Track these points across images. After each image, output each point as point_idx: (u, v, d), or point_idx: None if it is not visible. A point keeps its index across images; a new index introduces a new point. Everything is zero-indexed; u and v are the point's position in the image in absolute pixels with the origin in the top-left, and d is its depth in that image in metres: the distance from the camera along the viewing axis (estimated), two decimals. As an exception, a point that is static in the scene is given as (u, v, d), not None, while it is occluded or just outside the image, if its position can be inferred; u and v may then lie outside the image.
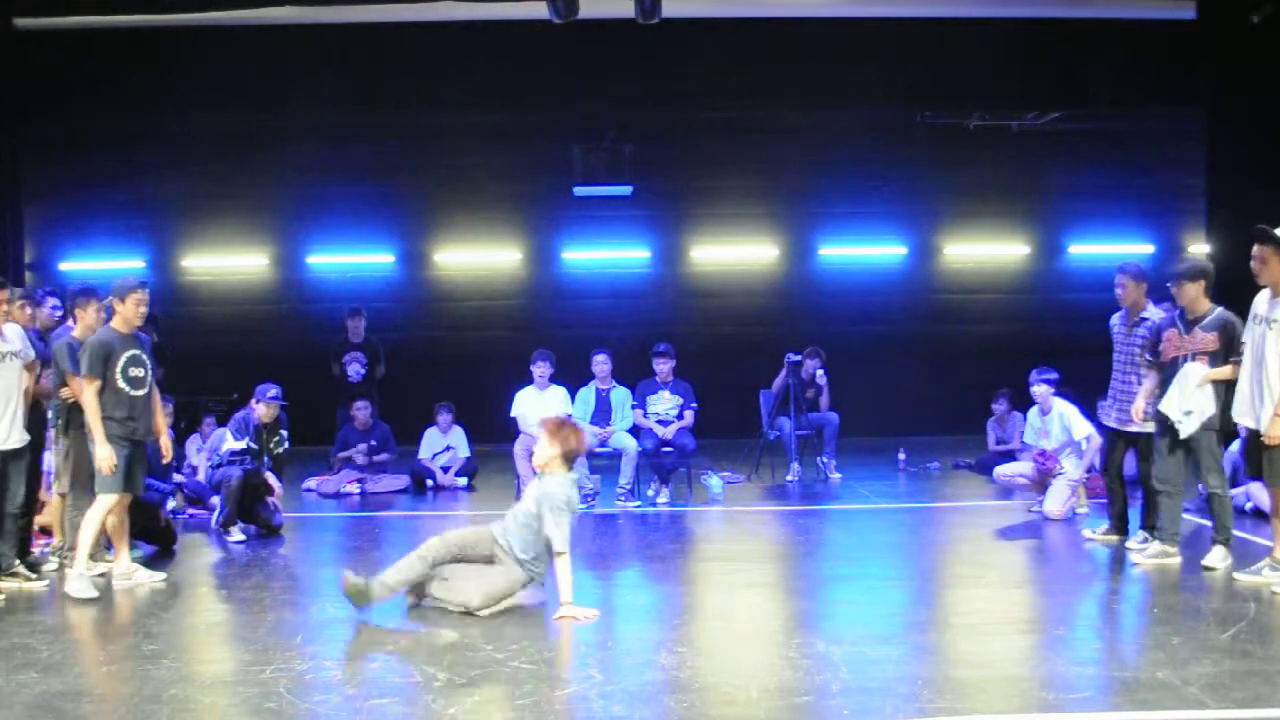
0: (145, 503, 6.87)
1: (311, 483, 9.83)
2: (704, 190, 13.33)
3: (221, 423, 8.99)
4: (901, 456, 10.77)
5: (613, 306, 13.21)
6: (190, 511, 8.56)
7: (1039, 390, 8.20)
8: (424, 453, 10.07)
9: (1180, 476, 6.36)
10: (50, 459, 6.76)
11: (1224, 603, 5.51)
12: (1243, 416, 5.86)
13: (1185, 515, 6.64)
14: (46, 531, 7.05)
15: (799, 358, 10.10)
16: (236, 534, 7.52)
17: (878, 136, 12.98)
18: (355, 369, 10.93)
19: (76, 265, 12.48)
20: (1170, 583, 6.00)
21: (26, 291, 6.97)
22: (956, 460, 10.79)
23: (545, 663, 4.62)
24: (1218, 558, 6.13)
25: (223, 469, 7.84)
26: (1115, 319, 7.02)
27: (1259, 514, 7.30)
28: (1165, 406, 6.13)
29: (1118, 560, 6.65)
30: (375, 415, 10.36)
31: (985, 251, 13.71)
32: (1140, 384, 6.71)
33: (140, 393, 6.16)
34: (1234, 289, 6.35)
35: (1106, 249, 13.01)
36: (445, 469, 9.98)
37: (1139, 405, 6.48)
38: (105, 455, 5.96)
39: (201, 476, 8.82)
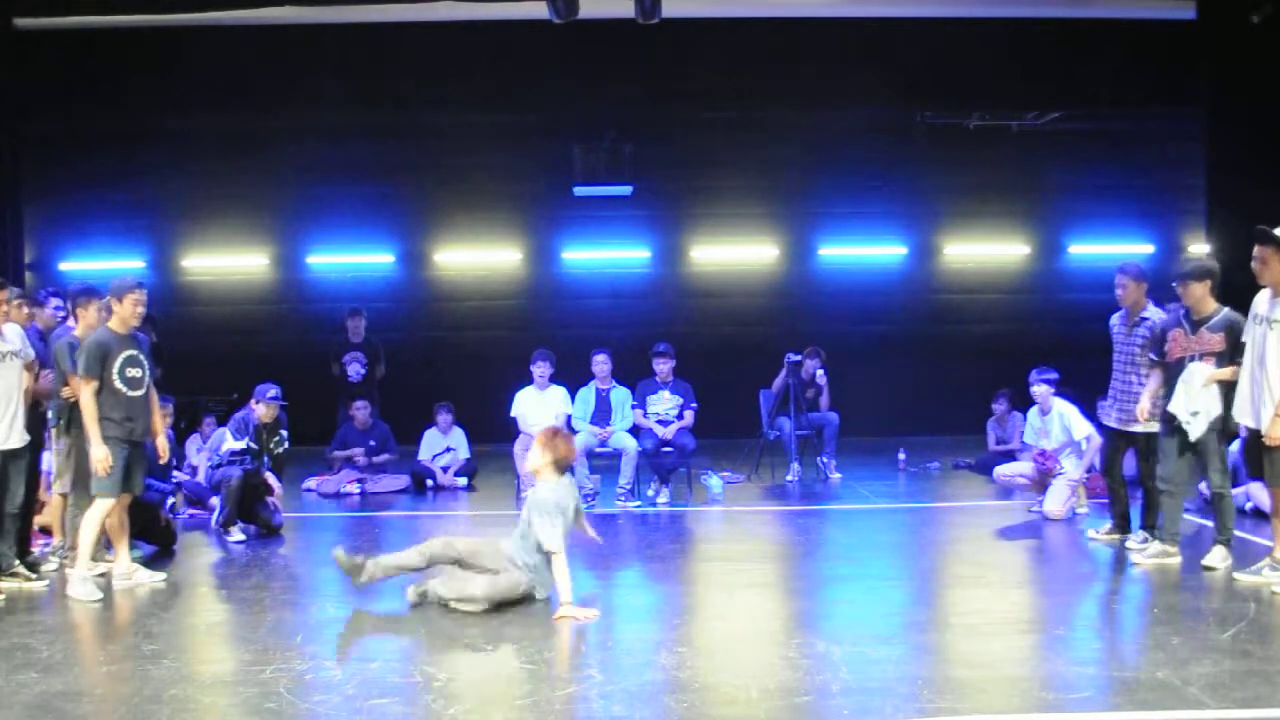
0: (145, 503, 6.87)
1: (311, 483, 9.83)
2: (704, 190, 13.33)
3: (221, 423, 8.99)
4: (901, 456, 10.77)
5: (613, 306, 13.22)
6: (190, 511, 8.56)
7: (1039, 390, 8.20)
8: (424, 453, 10.07)
9: (1184, 476, 6.36)
10: (49, 459, 6.76)
11: (1224, 603, 5.51)
12: (1243, 416, 5.86)
13: (1185, 515, 6.64)
14: (46, 531, 7.06)
15: (799, 358, 10.10)
16: (236, 534, 7.52)
17: (878, 136, 12.98)
18: (355, 369, 10.93)
19: (76, 265, 12.48)
20: (1170, 583, 6.00)
21: (24, 291, 6.97)
22: (956, 460, 10.79)
23: (545, 663, 4.63)
24: (1218, 558, 6.14)
25: (223, 469, 7.84)
26: (1115, 319, 7.02)
27: (1259, 514, 7.30)
28: (1174, 407, 6.13)
29: (1117, 560, 6.65)
30: (375, 415, 10.36)
31: (985, 251, 13.71)
32: (1141, 384, 6.71)
33: (138, 393, 6.15)
34: (1234, 289, 6.35)
35: (1106, 249, 13.01)
36: (445, 469, 9.98)
37: (1144, 405, 6.48)
38: (101, 457, 5.96)
39: (201, 477, 8.82)
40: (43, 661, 4.72)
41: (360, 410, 10.15)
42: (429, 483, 9.91)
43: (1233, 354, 6.01)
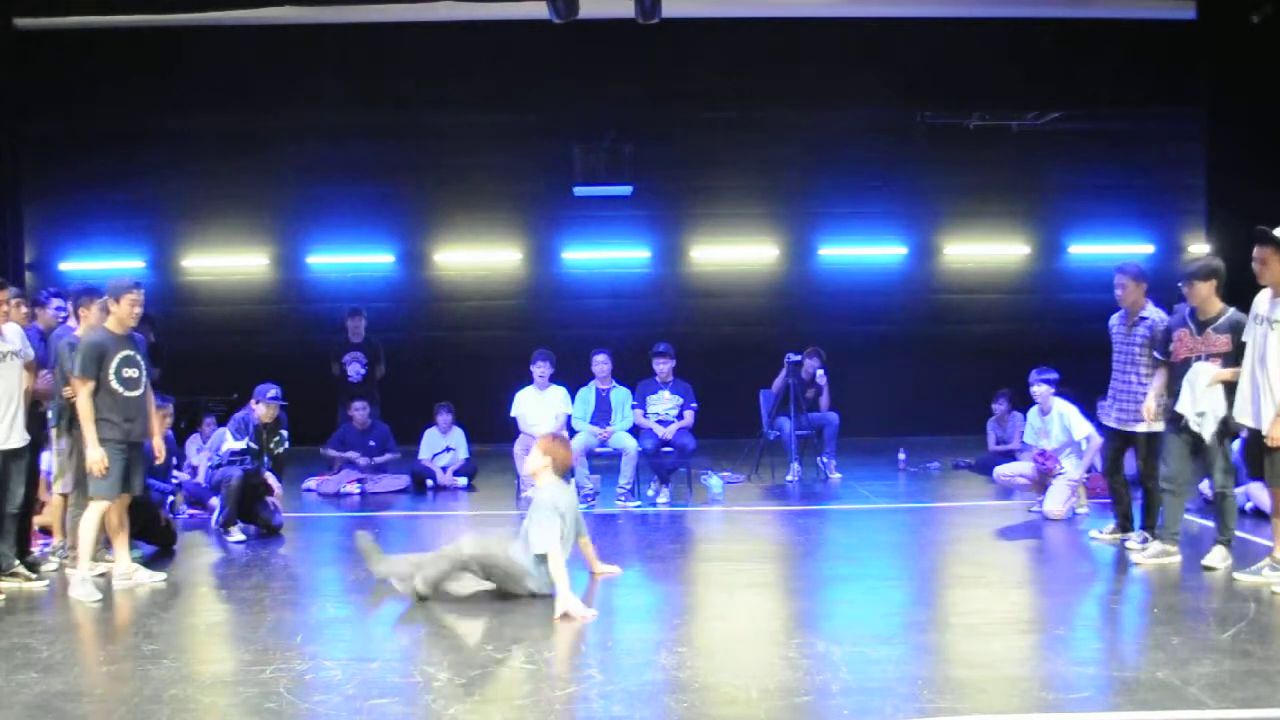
0: (145, 503, 6.87)
1: (311, 483, 9.83)
2: (704, 190, 13.33)
3: (221, 423, 8.99)
4: (901, 456, 10.77)
5: (613, 306, 13.22)
6: (190, 511, 8.56)
7: (1039, 390, 8.20)
8: (424, 453, 10.07)
9: (1187, 476, 6.37)
10: (49, 459, 6.76)
11: (1224, 603, 5.51)
12: (1243, 416, 5.86)
13: (1185, 515, 6.64)
14: (46, 531, 7.05)
15: (799, 358, 10.10)
16: (236, 534, 7.52)
17: (878, 136, 12.98)
18: (355, 369, 10.93)
19: (76, 265, 12.49)
20: (1170, 583, 6.01)
21: (24, 291, 6.97)
22: (956, 460, 10.79)
23: (545, 663, 4.63)
24: (1218, 558, 6.14)
25: (223, 469, 7.84)
26: (1114, 319, 7.01)
27: (1259, 514, 7.31)
28: (1181, 407, 6.12)
29: (1117, 560, 6.65)
30: (375, 415, 10.36)
31: (985, 251, 13.71)
32: (1141, 383, 6.72)
33: (135, 393, 6.14)
34: (1235, 289, 6.35)
35: (1106, 249, 13.01)
36: (445, 469, 9.98)
37: (1150, 405, 6.46)
38: (97, 458, 5.95)
39: (201, 477, 8.81)
40: (43, 661, 4.72)
41: (359, 411, 10.15)
42: (429, 483, 9.91)
43: (1238, 355, 5.99)
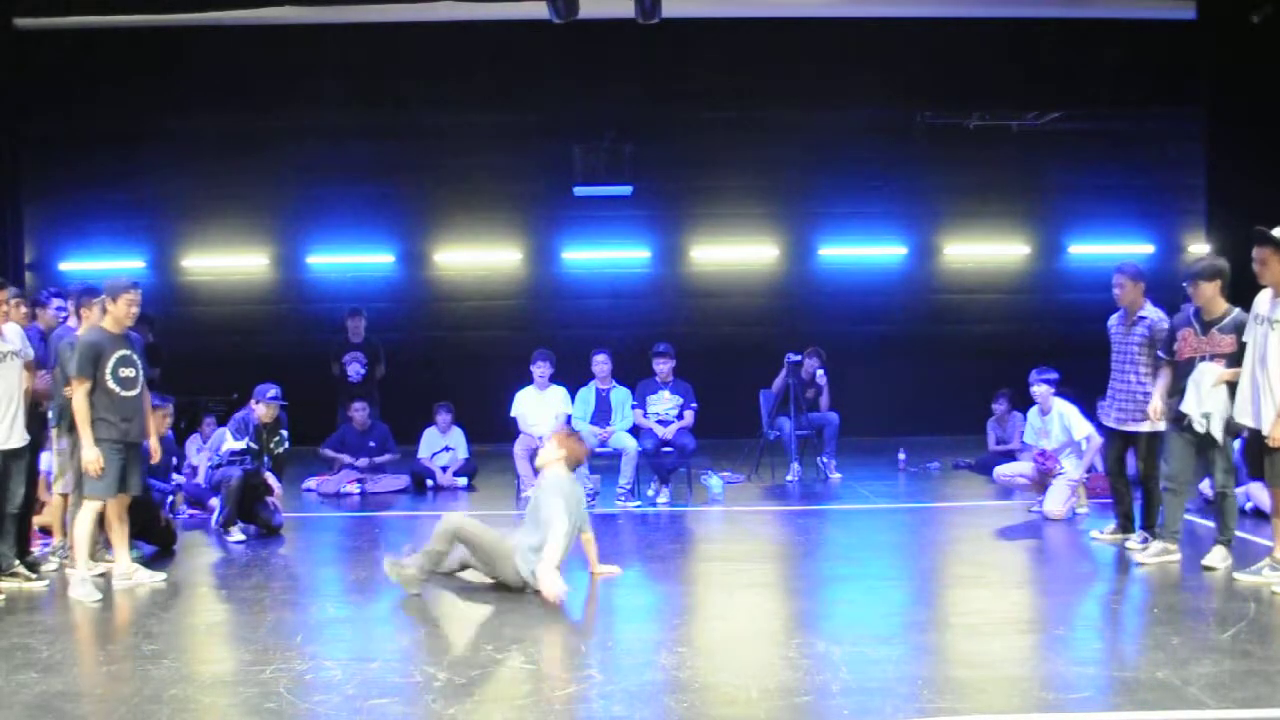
0: (145, 503, 6.86)
1: (311, 483, 9.83)
2: (704, 190, 13.33)
3: (221, 423, 8.99)
4: (901, 456, 10.77)
5: (613, 306, 13.22)
6: (190, 511, 8.56)
7: (1039, 390, 8.20)
8: (423, 452, 10.07)
9: (1188, 476, 6.38)
10: (49, 459, 6.76)
11: (1224, 603, 5.51)
12: (1243, 416, 5.86)
13: (1185, 515, 6.64)
14: (46, 531, 7.05)
15: (799, 358, 10.10)
16: (236, 534, 7.52)
17: (878, 136, 12.99)
18: (355, 369, 10.93)
19: (76, 265, 12.48)
20: (1170, 583, 6.01)
21: (24, 291, 6.97)
22: (956, 460, 10.79)
23: (545, 663, 4.62)
24: (1218, 558, 6.14)
25: (223, 469, 7.84)
26: (1113, 319, 7.03)
27: (1259, 514, 7.31)
28: (1186, 407, 6.12)
29: (1118, 560, 6.65)
30: (374, 416, 10.36)
31: (985, 251, 13.71)
32: (1140, 383, 6.73)
33: (132, 393, 6.13)
34: (1235, 288, 6.34)
35: (1106, 249, 13.01)
36: (445, 469, 9.98)
37: (1156, 405, 6.45)
38: (93, 458, 5.93)
39: (201, 477, 8.81)
40: (43, 661, 4.72)
41: (359, 411, 10.15)
42: (429, 483, 9.91)
43: (1242, 356, 6.00)
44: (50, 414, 6.50)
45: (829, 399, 10.30)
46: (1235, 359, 6.00)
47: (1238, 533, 6.39)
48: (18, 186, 10.91)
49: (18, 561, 6.19)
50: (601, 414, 9.19)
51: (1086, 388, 8.40)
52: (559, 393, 9.27)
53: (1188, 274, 6.30)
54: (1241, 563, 6.05)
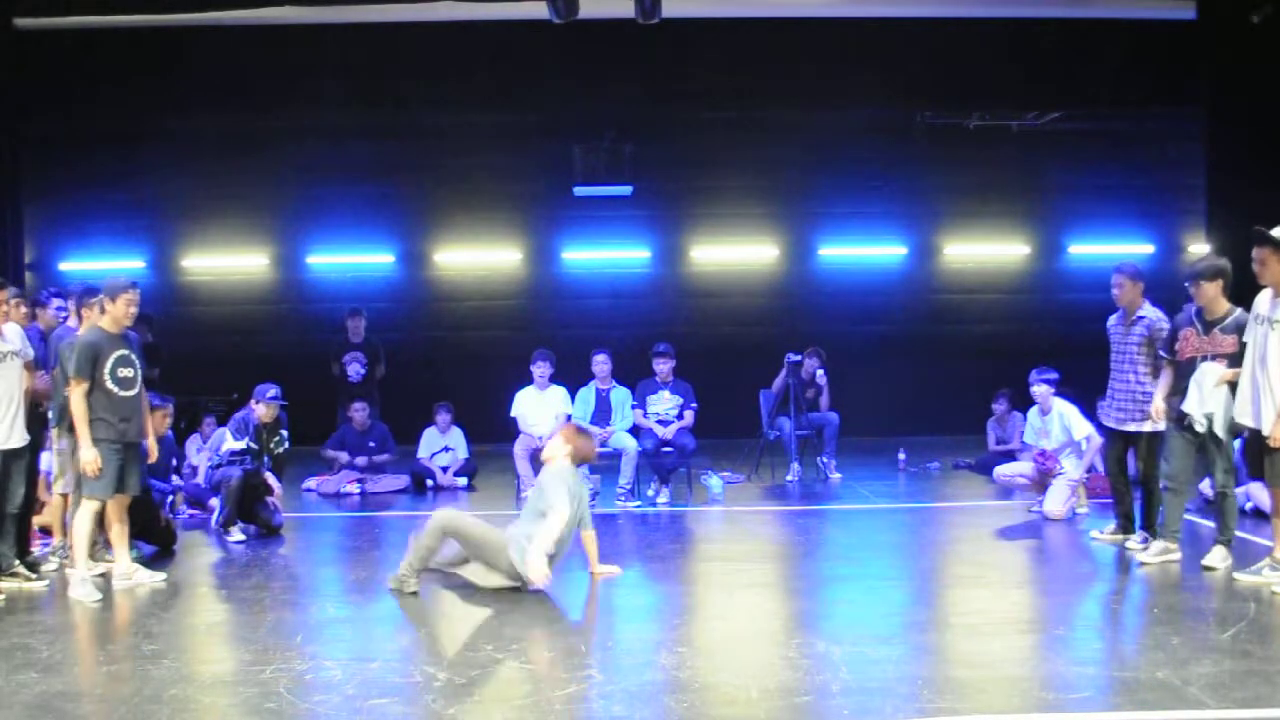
0: (146, 503, 6.86)
1: (311, 483, 9.83)
2: (704, 190, 13.33)
3: (221, 423, 8.99)
4: (901, 456, 10.77)
5: (613, 306, 13.22)
6: (190, 511, 8.56)
7: (1039, 390, 8.20)
8: (422, 452, 10.07)
9: (1188, 475, 6.39)
10: (49, 459, 6.76)
11: (1224, 603, 5.51)
12: (1243, 417, 5.86)
13: (1185, 515, 6.64)
14: (46, 531, 7.05)
15: (799, 358, 10.10)
16: (236, 534, 7.52)
17: (878, 136, 12.99)
18: (355, 369, 10.93)
19: (76, 265, 12.48)
20: (1170, 583, 6.01)
21: (24, 291, 6.97)
22: (956, 460, 10.79)
23: (545, 663, 4.62)
24: (1218, 558, 6.14)
25: (223, 469, 7.83)
26: (1112, 319, 7.04)
27: (1259, 514, 7.31)
28: (1189, 407, 6.12)
29: (1118, 560, 6.65)
30: (374, 416, 10.36)
31: (985, 251, 13.71)
32: (1139, 382, 6.75)
33: (130, 393, 6.12)
34: (1235, 288, 6.34)
35: (1106, 249, 13.01)
36: (445, 469, 9.98)
37: (1159, 405, 6.45)
38: (90, 458, 5.92)
39: (201, 477, 8.81)
40: (43, 661, 4.72)
41: (358, 412, 10.15)
42: (429, 483, 9.91)
43: (1243, 356, 6.00)
44: (50, 414, 6.50)
45: (829, 399, 10.30)
46: (1237, 359, 5.99)
47: (1238, 533, 6.39)
48: (18, 186, 10.92)
49: (18, 561, 6.19)
50: (601, 414, 9.19)
51: (1086, 388, 8.40)
52: (559, 393, 9.27)
53: (1190, 274, 6.29)
54: (1241, 563, 6.05)
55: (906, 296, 13.49)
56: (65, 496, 6.52)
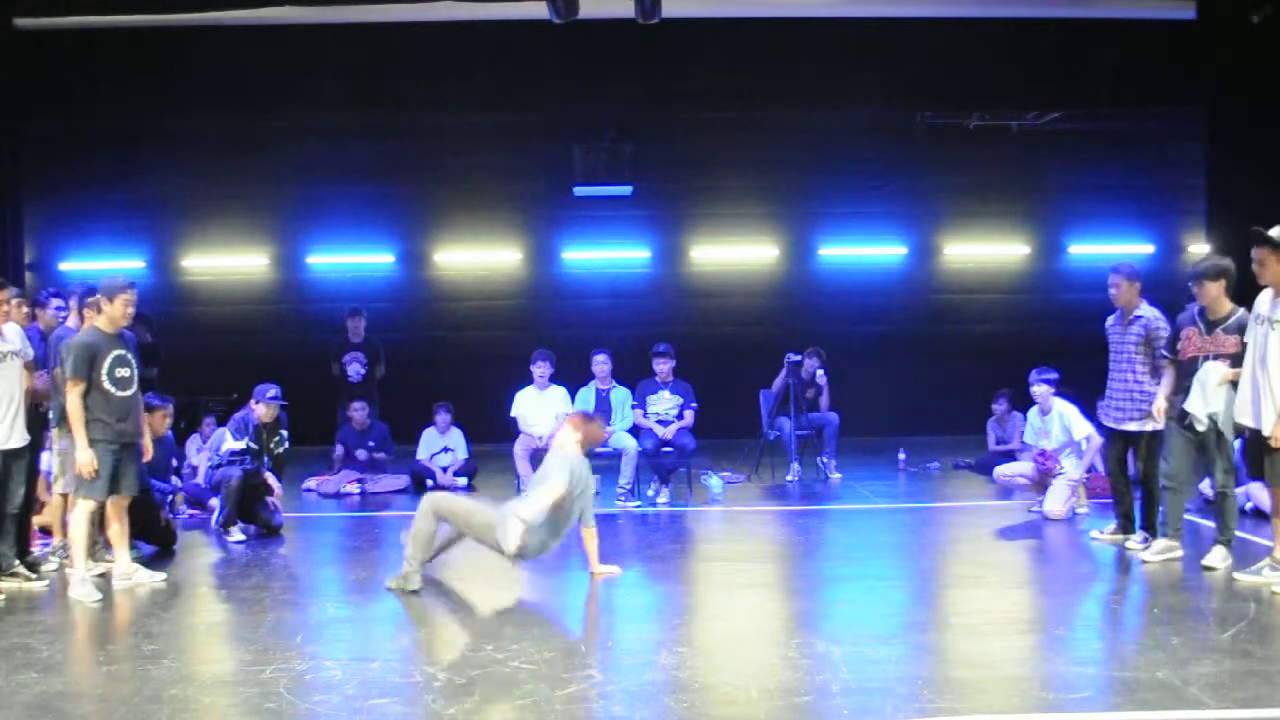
0: (146, 503, 6.86)
1: (311, 483, 9.84)
2: (704, 190, 13.33)
3: (221, 423, 8.99)
4: (901, 456, 10.77)
5: (613, 306, 13.22)
6: (190, 512, 8.56)
7: (1039, 390, 8.20)
8: (421, 453, 10.07)
9: (1187, 474, 6.40)
10: (49, 459, 6.76)
11: (1224, 603, 5.51)
12: (1243, 417, 5.86)
13: (1185, 515, 6.64)
14: (46, 531, 7.05)
15: (799, 358, 10.10)
16: (236, 534, 7.52)
17: (878, 136, 12.99)
18: (355, 369, 10.93)
19: (76, 265, 12.48)
20: (1170, 583, 6.01)
21: (25, 291, 6.97)
22: (956, 460, 10.78)
23: (545, 663, 4.62)
24: (1218, 558, 6.14)
25: (222, 469, 7.83)
26: (1111, 319, 7.06)
27: (1259, 514, 7.31)
28: (1191, 406, 6.13)
29: (1118, 560, 6.65)
30: (374, 415, 10.37)
31: (985, 251, 13.71)
32: (1138, 382, 6.76)
33: (127, 393, 6.11)
34: (1238, 288, 6.34)
35: (1106, 249, 12.99)
36: (445, 469, 9.98)
37: (1160, 404, 6.45)
38: (87, 460, 5.91)
39: (201, 477, 8.81)
40: (43, 661, 4.72)
41: (358, 411, 10.16)
42: (429, 483, 9.90)
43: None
44: (51, 414, 6.50)
45: (829, 399, 10.30)
46: (1239, 359, 5.99)
47: (1238, 533, 6.39)
48: (18, 186, 10.92)
49: (18, 561, 6.19)
50: (601, 414, 9.15)
51: (1086, 388, 8.40)
52: (559, 393, 9.27)
53: (1193, 274, 6.29)
54: (1241, 563, 6.05)
55: (906, 296, 13.49)
56: (65, 496, 6.52)
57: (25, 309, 6.60)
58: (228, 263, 13.26)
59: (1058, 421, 8.11)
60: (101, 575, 6.20)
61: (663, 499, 8.88)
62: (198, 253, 13.17)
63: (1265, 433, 5.65)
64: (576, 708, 4.09)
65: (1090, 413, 7.93)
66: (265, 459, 7.94)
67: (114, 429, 6.02)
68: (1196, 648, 4.67)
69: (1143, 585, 6.10)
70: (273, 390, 7.96)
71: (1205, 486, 7.42)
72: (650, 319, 12.79)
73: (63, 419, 6.35)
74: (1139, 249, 13.13)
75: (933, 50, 11.10)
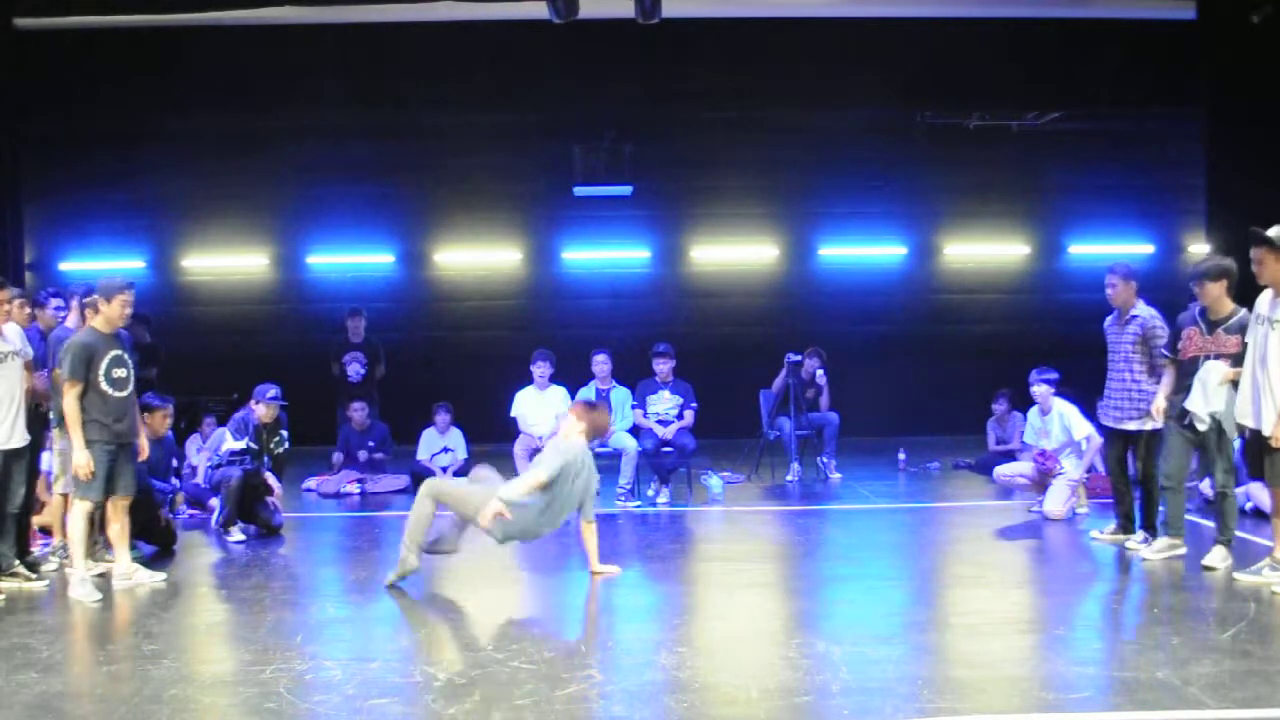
0: (146, 503, 6.86)
1: (311, 483, 9.84)
2: (704, 190, 13.33)
3: (221, 423, 8.99)
4: (901, 456, 10.77)
5: (613, 306, 13.22)
6: (190, 512, 8.56)
7: (1039, 390, 8.20)
8: (421, 453, 10.08)
9: (1185, 473, 6.41)
10: (49, 459, 6.76)
11: (1224, 603, 5.51)
12: (1243, 417, 5.87)
13: (1185, 515, 6.64)
14: (46, 531, 7.05)
15: (799, 358, 10.10)
16: (236, 534, 7.52)
17: (878, 136, 12.99)
18: (355, 369, 10.93)
19: (76, 265, 12.48)
20: (1171, 583, 6.01)
21: (25, 291, 6.97)
22: (956, 460, 10.78)
23: (545, 663, 4.62)
24: (1218, 558, 6.14)
25: (222, 469, 7.83)
26: (1109, 320, 7.09)
27: (1259, 514, 7.30)
28: (1192, 405, 6.13)
29: (1118, 560, 6.65)
30: (374, 415, 10.38)
31: (985, 251, 13.72)
32: (1134, 380, 6.77)
33: (124, 394, 6.10)
34: (1239, 288, 6.34)
35: (1106, 249, 12.99)
36: (445, 469, 9.98)
37: (1160, 403, 6.46)
38: (84, 462, 5.91)
39: (201, 477, 8.81)
40: (43, 661, 4.72)
41: (358, 412, 10.16)
42: (429, 483, 9.91)
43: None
44: (51, 414, 6.50)
45: (829, 399, 10.30)
46: (1241, 359, 5.99)
47: (1238, 533, 6.39)
48: (18, 186, 10.92)
49: (18, 561, 6.19)
50: (602, 413, 9.18)
51: (1086, 388, 8.39)
52: (559, 393, 9.27)
53: (1194, 274, 6.29)
54: (1241, 563, 6.05)
55: (906, 296, 13.49)
56: (65, 496, 6.52)
57: (27, 310, 6.60)
58: (228, 263, 13.26)
59: (1058, 421, 8.11)
60: (101, 575, 6.20)
61: (663, 499, 8.88)
62: (198, 253, 13.17)
63: (1265, 433, 5.65)
64: (576, 708, 4.09)
65: (1090, 413, 7.92)
66: (265, 459, 7.94)
67: (111, 430, 6.02)
68: (1196, 648, 4.67)
69: (1143, 585, 6.10)
70: (273, 390, 7.96)
71: (1205, 487, 7.42)
72: (650, 319, 12.79)
73: (63, 419, 6.35)
74: (1139, 249, 13.14)
75: (933, 50, 11.10)
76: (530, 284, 13.43)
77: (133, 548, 6.43)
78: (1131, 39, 11.07)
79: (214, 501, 8.11)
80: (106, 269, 10.93)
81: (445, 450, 10.10)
